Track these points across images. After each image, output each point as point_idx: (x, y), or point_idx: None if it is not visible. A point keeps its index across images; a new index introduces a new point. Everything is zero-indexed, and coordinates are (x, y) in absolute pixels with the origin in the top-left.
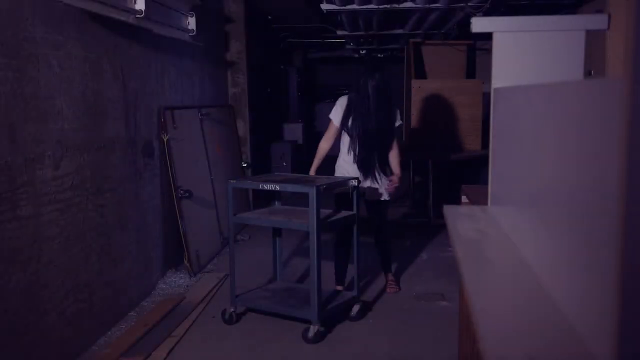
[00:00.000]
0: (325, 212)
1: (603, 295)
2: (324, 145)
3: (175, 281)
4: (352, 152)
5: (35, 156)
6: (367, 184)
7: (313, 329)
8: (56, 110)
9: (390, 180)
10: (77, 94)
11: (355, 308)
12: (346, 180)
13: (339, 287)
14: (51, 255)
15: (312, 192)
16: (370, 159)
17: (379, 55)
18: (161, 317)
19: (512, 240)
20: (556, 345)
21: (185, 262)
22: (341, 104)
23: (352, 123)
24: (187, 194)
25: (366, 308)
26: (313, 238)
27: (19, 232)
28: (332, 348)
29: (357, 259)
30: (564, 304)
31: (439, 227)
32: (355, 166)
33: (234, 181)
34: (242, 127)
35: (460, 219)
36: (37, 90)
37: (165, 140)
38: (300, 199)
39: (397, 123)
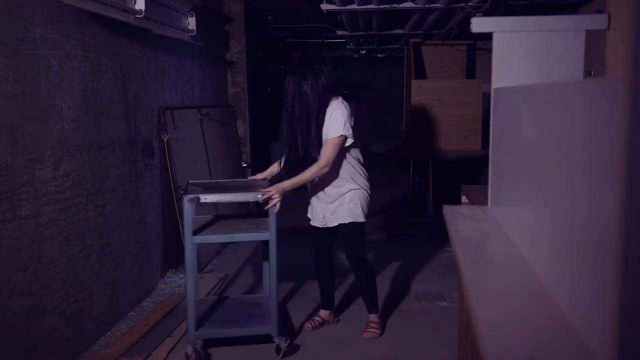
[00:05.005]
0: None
1: (603, 295)
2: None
3: (175, 281)
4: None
5: (35, 156)
6: (318, 211)
7: (280, 344)
8: (56, 110)
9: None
10: (77, 94)
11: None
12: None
13: (324, 314)
14: (51, 255)
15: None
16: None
17: (379, 55)
18: (161, 317)
19: (512, 240)
20: (556, 345)
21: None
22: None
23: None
24: None
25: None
26: (273, 246)
27: (19, 232)
28: (333, 348)
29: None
30: (564, 303)
31: (439, 227)
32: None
33: (190, 196)
34: (242, 127)
35: (460, 219)
36: (37, 90)
37: (165, 140)
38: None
39: (329, 133)
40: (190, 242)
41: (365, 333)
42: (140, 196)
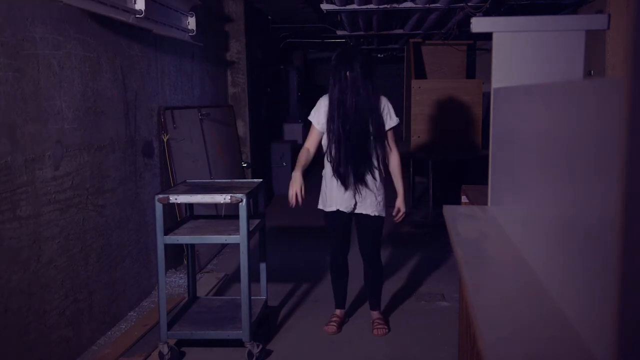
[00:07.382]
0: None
1: (603, 294)
2: (303, 153)
3: (175, 281)
4: (331, 161)
5: (35, 156)
6: (347, 196)
7: (252, 350)
8: (56, 110)
9: (394, 208)
10: (77, 94)
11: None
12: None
13: (340, 313)
14: (51, 255)
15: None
16: (347, 166)
17: (379, 55)
18: None
19: (512, 240)
20: (555, 344)
21: (185, 262)
22: (324, 102)
23: (329, 124)
24: None
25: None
26: (244, 250)
27: (19, 232)
28: (333, 348)
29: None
30: (564, 303)
31: (439, 227)
32: (335, 179)
33: (160, 196)
34: (242, 127)
35: (460, 219)
36: (37, 90)
37: (165, 140)
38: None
39: (391, 122)
40: (161, 241)
41: (376, 330)
42: (140, 196)
